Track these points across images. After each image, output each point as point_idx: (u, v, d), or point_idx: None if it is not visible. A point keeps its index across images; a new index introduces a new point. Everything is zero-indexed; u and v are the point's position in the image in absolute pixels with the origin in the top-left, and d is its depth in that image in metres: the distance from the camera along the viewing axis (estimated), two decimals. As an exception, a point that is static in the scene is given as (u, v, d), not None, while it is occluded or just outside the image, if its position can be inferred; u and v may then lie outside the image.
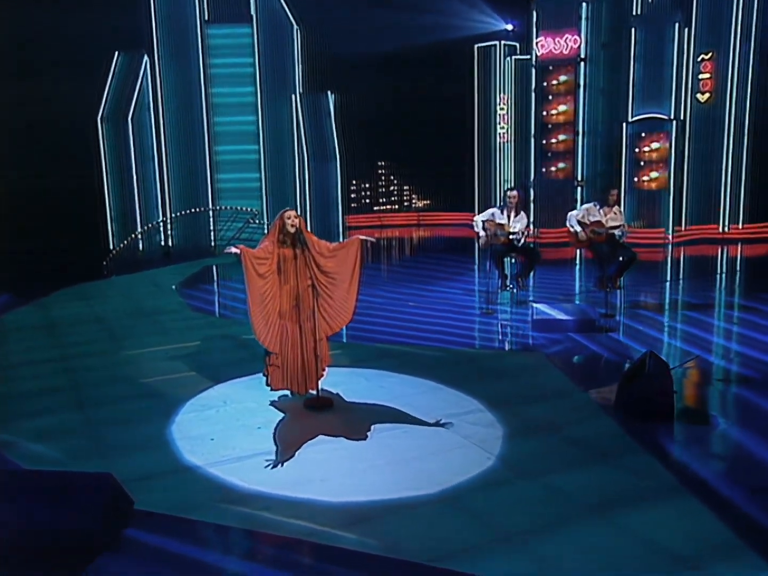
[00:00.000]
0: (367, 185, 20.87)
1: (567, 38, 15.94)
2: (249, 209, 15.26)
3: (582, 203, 15.85)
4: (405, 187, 21.63)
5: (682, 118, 15.75)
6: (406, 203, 21.72)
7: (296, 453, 5.57)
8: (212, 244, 15.63)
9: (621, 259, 9.73)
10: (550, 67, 16.26)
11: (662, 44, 15.63)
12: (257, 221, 15.31)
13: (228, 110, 15.33)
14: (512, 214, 9.97)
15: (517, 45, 18.90)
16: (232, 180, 15.41)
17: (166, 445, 5.84)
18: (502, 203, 10.06)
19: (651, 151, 15.76)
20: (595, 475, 5.11)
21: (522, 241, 9.91)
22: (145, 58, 15.32)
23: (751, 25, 15.42)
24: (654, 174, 15.71)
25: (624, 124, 15.89)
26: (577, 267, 13.78)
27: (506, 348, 8.67)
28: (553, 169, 16.43)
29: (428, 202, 21.43)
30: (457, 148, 19.42)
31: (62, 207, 15.73)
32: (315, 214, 15.09)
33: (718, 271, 13.36)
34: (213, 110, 15.31)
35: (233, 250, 6.30)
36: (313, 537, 4.41)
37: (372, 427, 6.02)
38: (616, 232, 9.67)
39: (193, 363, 7.96)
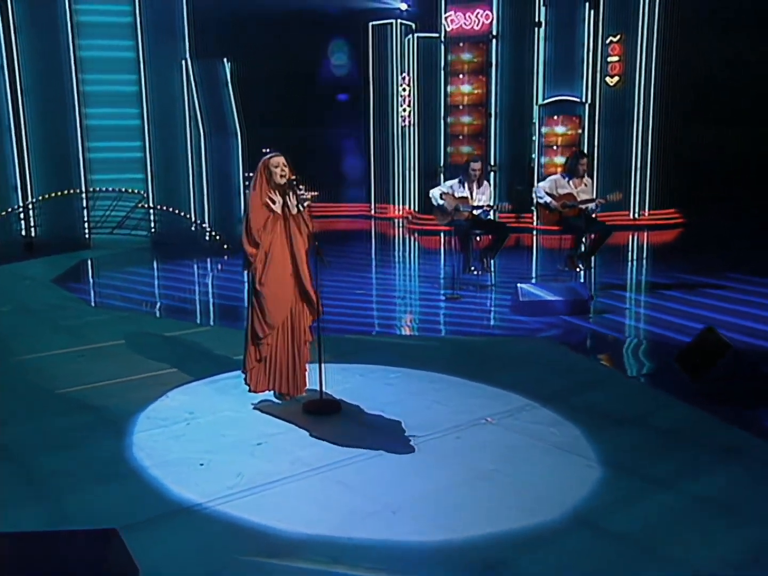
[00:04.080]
0: (249, 174, 19.08)
1: (478, 13, 15.18)
2: (134, 191, 13.14)
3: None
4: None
5: (590, 101, 15.42)
6: (293, 193, 20.12)
7: (329, 474, 4.11)
8: (86, 234, 13.35)
9: (593, 235, 8.90)
10: (461, 44, 15.43)
11: (573, 24, 15.22)
12: (144, 205, 13.24)
13: (101, 66, 13.01)
14: (474, 187, 8.87)
15: (413, 24, 17.96)
16: (108, 149, 13.03)
17: (135, 475, 4.16)
18: (462, 175, 8.93)
19: (563, 135, 15.32)
20: (731, 475, 4.05)
21: (488, 215, 8.83)
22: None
23: (655, 8, 15.33)
24: (562, 159, 15.26)
25: (535, 106, 15.36)
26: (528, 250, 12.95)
27: (499, 334, 7.52)
28: (464, 151, 15.58)
29: (316, 193, 19.94)
30: (350, 133, 18.17)
31: None
32: (212, 199, 13.24)
33: (640, 255, 13.00)
34: (82, 66, 12.87)
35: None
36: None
37: (408, 432, 4.66)
38: (590, 206, 8.82)
39: (123, 366, 6.18)
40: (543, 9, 15.25)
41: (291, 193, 5.15)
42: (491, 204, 8.71)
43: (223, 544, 3.45)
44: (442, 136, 15.86)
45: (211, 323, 8.04)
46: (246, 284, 5.15)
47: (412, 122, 16.88)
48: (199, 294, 10.25)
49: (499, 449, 4.41)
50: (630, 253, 12.39)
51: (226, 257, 12.60)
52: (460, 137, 15.69)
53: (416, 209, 16.80)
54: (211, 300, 9.72)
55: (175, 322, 8.00)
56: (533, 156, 15.58)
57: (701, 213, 14.88)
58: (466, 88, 15.55)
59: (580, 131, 15.33)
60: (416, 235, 15.37)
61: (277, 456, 4.38)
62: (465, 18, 15.26)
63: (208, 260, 12.29)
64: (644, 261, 11.69)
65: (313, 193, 5.47)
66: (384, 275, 10.77)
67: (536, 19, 15.44)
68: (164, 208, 13.36)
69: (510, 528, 3.52)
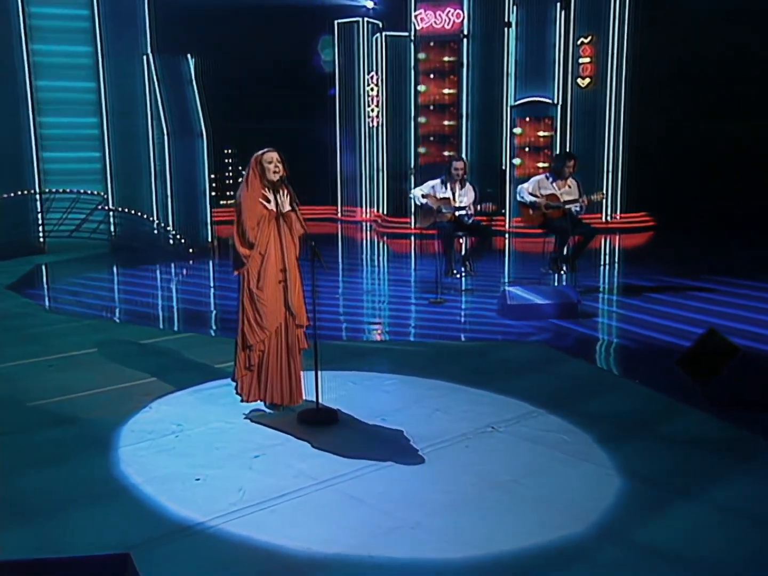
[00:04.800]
0: (213, 176, 18.77)
1: (449, 12, 15.16)
2: (93, 192, 12.72)
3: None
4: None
5: (561, 103, 15.52)
6: (257, 196, 19.83)
7: (337, 487, 3.94)
8: (41, 238, 12.90)
9: (577, 237, 8.87)
10: (431, 44, 15.39)
11: (544, 25, 15.30)
12: (104, 207, 12.84)
13: (57, 73, 12.69)
14: (457, 188, 8.78)
15: (380, 23, 17.88)
16: (65, 148, 12.56)
17: (126, 492, 3.93)
18: (445, 175, 8.83)
19: (536, 137, 15.37)
20: (752, 481, 4.00)
21: (471, 218, 8.73)
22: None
23: (626, 9, 15.49)
24: (536, 164, 15.31)
25: (507, 107, 15.39)
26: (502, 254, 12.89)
27: (489, 339, 7.42)
28: (434, 154, 15.52)
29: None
30: (315, 133, 17.96)
31: None
32: (177, 201, 12.89)
33: (617, 259, 13.08)
34: (36, 73, 12.55)
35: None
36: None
37: (414, 442, 4.52)
38: (573, 207, 8.80)
39: (97, 375, 5.91)
40: (514, 9, 15.31)
41: (283, 191, 4.96)
42: (478, 207, 8.59)
43: (235, 566, 3.26)
44: (413, 137, 15.79)
45: (186, 330, 7.76)
46: (239, 288, 4.93)
47: (380, 122, 16.78)
48: (167, 300, 9.95)
49: (512, 458, 4.29)
50: (606, 257, 12.44)
51: (191, 261, 12.31)
52: (431, 138, 15.64)
53: (385, 212, 16.70)
54: (182, 306, 9.42)
55: (146, 330, 7.74)
56: (505, 158, 15.61)
57: (673, 216, 15.03)
58: (436, 88, 15.50)
59: (552, 133, 15.40)
60: (385, 238, 15.26)
61: (278, 469, 4.19)
62: (435, 17, 15.24)
63: (172, 265, 11.97)
64: (622, 264, 11.74)
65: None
66: (360, 280, 10.62)
67: (506, 20, 15.50)
68: (125, 210, 12.99)
69: (537, 542, 3.39)
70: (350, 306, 8.75)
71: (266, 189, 4.91)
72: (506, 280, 9.92)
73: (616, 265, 11.65)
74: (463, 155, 15.43)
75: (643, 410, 5.07)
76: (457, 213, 8.70)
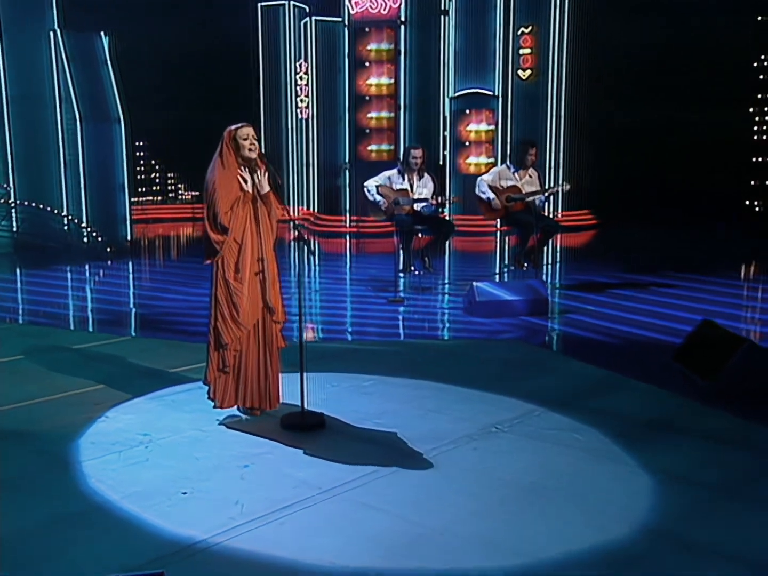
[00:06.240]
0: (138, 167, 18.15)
1: (385, -4, 15.12)
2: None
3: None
4: (169, 174, 19.18)
5: (502, 95, 15.69)
6: (171, 194, 19.25)
7: (345, 496, 3.75)
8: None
9: (537, 232, 8.91)
10: (366, 29, 15.29)
11: (483, 12, 15.44)
12: (5, 200, 12.11)
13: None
14: (415, 178, 8.69)
15: (306, 8, 17.68)
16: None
17: (104, 511, 3.63)
18: (402, 165, 8.73)
19: (476, 131, 15.47)
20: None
21: (432, 209, 8.66)
22: None
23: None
24: (477, 158, 15.41)
25: (446, 99, 15.46)
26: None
27: (461, 337, 7.33)
28: (372, 148, 15.40)
29: (198, 192, 19.18)
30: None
31: None
32: (91, 194, 12.25)
33: (568, 256, 13.28)
34: None
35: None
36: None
37: (414, 444, 4.38)
38: (536, 199, 8.85)
39: (35, 384, 5.52)
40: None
41: (260, 170, 4.73)
42: (439, 199, 8.53)
43: (252, 588, 3.03)
44: (347, 130, 15.60)
45: (122, 334, 7.36)
46: (212, 279, 4.67)
47: (311, 114, 16.55)
48: (93, 302, 9.43)
49: (527, 459, 4.21)
50: (557, 254, 12.60)
51: (109, 261, 11.75)
52: (367, 131, 15.51)
53: (317, 210, 16.47)
54: (110, 308, 8.92)
55: (75, 334, 7.33)
56: (445, 153, 15.65)
57: (615, 212, 15.38)
58: (373, 78, 15.39)
59: (493, 126, 15.54)
60: (315, 237, 14.98)
61: (273, 479, 3.97)
62: (371, 1, 15.14)
63: (87, 265, 11.39)
64: (575, 261, 11.91)
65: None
66: (306, 279, 10.36)
67: (442, 7, 15.56)
68: (30, 204, 12.29)
69: (582, 547, 3.30)
70: (304, 306, 8.51)
71: (242, 168, 4.67)
72: (464, 277, 9.85)
73: (569, 262, 11.81)
74: (401, 148, 15.37)
75: (648, 407, 5.08)
76: (416, 206, 8.61)
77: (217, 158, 4.70)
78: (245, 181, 4.65)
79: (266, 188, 4.73)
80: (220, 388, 4.76)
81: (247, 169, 4.70)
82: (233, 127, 4.73)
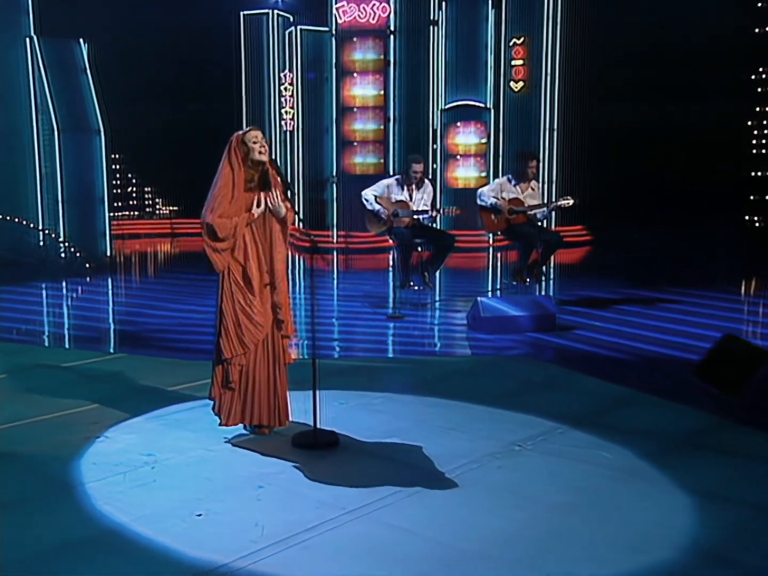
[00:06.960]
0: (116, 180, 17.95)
1: (374, 5, 15.15)
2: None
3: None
4: (146, 188, 19.02)
5: (494, 107, 15.76)
6: (149, 209, 19.08)
7: (371, 517, 3.66)
8: None
9: (539, 246, 8.89)
10: (354, 39, 15.31)
11: (474, 23, 15.54)
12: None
13: None
14: (414, 190, 8.66)
15: (291, 17, 17.70)
16: None
17: (116, 534, 3.52)
18: (402, 175, 8.69)
19: (467, 144, 15.50)
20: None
21: (432, 221, 8.63)
22: None
23: (558, 10, 15.92)
24: (468, 172, 15.43)
25: (437, 111, 15.49)
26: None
27: (467, 354, 7.28)
28: (359, 161, 15.39)
29: (177, 207, 19.01)
30: (217, 138, 17.48)
31: None
32: (69, 207, 12.07)
33: (566, 271, 13.29)
34: None
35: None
36: None
37: (436, 464, 4.30)
38: (538, 213, 8.85)
39: (25, 403, 5.38)
40: (443, 4, 15.43)
41: (275, 191, 4.65)
42: (438, 209, 8.50)
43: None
44: (334, 143, 15.57)
45: (112, 351, 7.23)
46: (219, 289, 4.58)
47: (296, 126, 16.50)
48: (75, 318, 9.28)
49: (555, 478, 4.14)
50: (556, 270, 12.62)
51: (88, 278, 11.57)
52: (354, 144, 15.48)
53: (302, 225, 16.37)
54: (95, 325, 8.77)
55: (62, 351, 7.18)
56: (434, 166, 15.65)
57: (610, 229, 15.43)
58: (360, 89, 15.40)
59: (485, 139, 15.58)
60: (300, 252, 14.85)
61: (292, 500, 3.87)
62: (359, 10, 15.17)
63: (65, 282, 11.22)
64: (576, 277, 11.91)
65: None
66: (298, 296, 10.26)
67: (432, 17, 15.62)
68: (5, 217, 12.09)
69: (628, 569, 3.23)
70: (300, 323, 8.43)
71: (248, 170, 4.59)
72: (460, 293, 9.81)
73: (568, 278, 11.82)
74: (390, 161, 15.41)
75: (674, 423, 5.04)
76: (416, 217, 8.56)
77: (222, 165, 4.63)
78: (257, 205, 4.58)
79: (283, 211, 4.66)
80: (225, 404, 4.66)
81: (257, 190, 4.61)
82: (240, 132, 4.68)
